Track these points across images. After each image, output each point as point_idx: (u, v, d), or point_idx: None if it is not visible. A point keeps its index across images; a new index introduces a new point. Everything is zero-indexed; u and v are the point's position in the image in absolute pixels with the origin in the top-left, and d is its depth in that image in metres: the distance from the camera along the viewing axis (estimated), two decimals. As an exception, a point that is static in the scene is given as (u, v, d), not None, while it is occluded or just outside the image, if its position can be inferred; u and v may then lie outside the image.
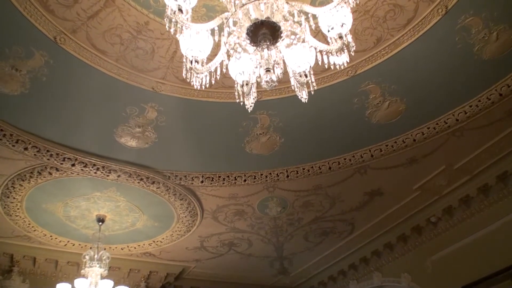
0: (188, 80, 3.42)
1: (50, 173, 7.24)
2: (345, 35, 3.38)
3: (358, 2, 3.30)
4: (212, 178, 7.69)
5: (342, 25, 3.36)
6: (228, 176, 7.72)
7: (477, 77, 6.13)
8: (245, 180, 7.79)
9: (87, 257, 8.14)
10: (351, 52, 3.47)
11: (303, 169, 7.65)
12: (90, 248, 8.39)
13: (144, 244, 9.88)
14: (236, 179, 7.77)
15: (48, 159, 6.88)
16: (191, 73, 3.36)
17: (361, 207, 8.95)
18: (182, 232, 9.33)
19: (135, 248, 10.01)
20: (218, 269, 11.32)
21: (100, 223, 8.66)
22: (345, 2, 3.26)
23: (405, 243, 9.78)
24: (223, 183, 7.82)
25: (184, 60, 3.41)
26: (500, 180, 7.89)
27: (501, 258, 7.68)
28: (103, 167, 7.18)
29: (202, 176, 7.65)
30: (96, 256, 8.15)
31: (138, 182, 7.58)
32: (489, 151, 7.54)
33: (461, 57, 5.76)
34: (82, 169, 7.14)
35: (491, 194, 8.13)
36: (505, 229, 7.81)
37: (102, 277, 8.15)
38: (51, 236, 9.23)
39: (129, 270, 10.71)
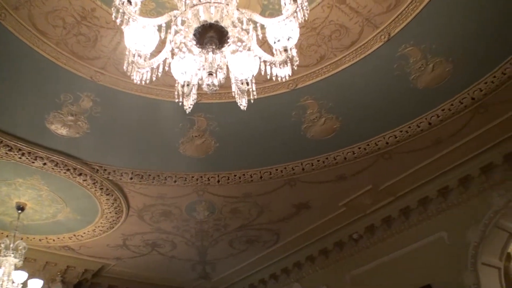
0: (128, 74, 3.35)
1: (-29, 154, 6.86)
2: (290, 49, 3.44)
3: (306, 18, 3.36)
4: (142, 175, 7.56)
5: (288, 39, 3.41)
6: (159, 176, 7.61)
7: (410, 105, 6.42)
8: (175, 181, 7.71)
9: (2, 245, 7.76)
10: (294, 66, 3.53)
11: (235, 175, 7.67)
12: (6, 236, 8.03)
13: (64, 237, 9.52)
14: (166, 179, 7.67)
15: (-30, 139, 6.52)
16: (132, 66, 3.30)
17: (288, 218, 9.09)
18: (105, 228, 9.08)
19: (54, 240, 9.63)
20: (138, 269, 11.10)
21: (20, 211, 8.26)
22: (294, 17, 3.31)
23: (327, 257, 10.02)
24: (153, 182, 7.69)
25: (127, 52, 3.34)
26: (421, 204, 8.32)
27: (416, 278, 8.06)
28: (29, 152, 6.87)
29: (132, 173, 7.50)
30: (11, 245, 7.78)
31: (65, 173, 7.32)
32: (414, 176, 7.92)
33: (397, 84, 6.02)
34: (6, 153, 6.80)
35: (411, 217, 8.54)
36: (422, 251, 8.23)
37: (16, 268, 7.80)
38: (-35, 220, 8.74)
39: (45, 262, 10.28)
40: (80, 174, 7.42)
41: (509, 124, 6.87)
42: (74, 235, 9.43)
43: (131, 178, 7.54)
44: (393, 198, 8.52)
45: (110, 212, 8.50)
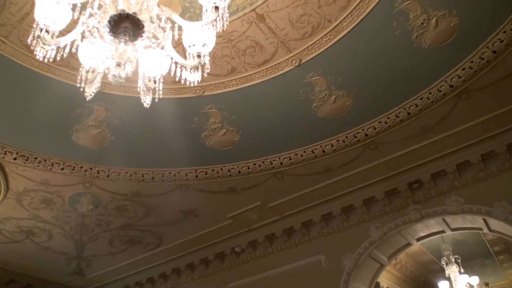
0: (32, 48, 3.18)
1: None
2: (204, 55, 3.46)
3: (225, 29, 3.40)
4: (28, 157, 7.12)
5: (203, 45, 3.43)
6: (46, 160, 7.21)
7: (308, 130, 6.70)
8: (62, 169, 7.34)
9: None
10: (204, 73, 3.55)
11: (126, 172, 7.48)
12: None
13: None
14: (53, 165, 7.29)
15: None
16: (37, 41, 3.14)
17: (174, 223, 8.99)
18: (-23, 208, 8.42)
19: None
20: (9, 256, 10.30)
21: None
22: (213, 25, 3.34)
23: (207, 266, 10.04)
24: (38, 166, 7.27)
25: (35, 26, 3.17)
26: (304, 226, 8.67)
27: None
28: None
29: (17, 153, 7.03)
30: None
31: None
32: (302, 198, 8.24)
33: (301, 109, 6.26)
34: None
35: (293, 237, 8.87)
36: (299, 271, 8.58)
37: None
38: None
39: None
40: (-42, 146, 6.84)
41: (394, 163, 7.41)
42: None
43: (15, 159, 7.07)
44: (279, 217, 8.78)
45: (-15, 191, 7.91)
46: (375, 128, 6.65)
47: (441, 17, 5.10)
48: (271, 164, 7.30)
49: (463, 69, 5.80)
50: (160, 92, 3.63)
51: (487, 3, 5.01)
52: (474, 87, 6.08)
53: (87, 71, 3.46)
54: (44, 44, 3.15)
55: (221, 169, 7.44)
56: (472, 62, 5.71)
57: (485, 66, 5.75)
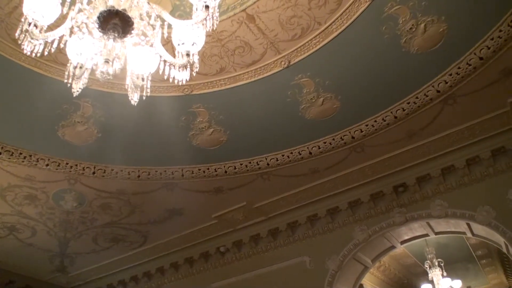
0: (19, 42, 3.14)
1: None
2: (193, 54, 3.45)
3: (215, 28, 3.40)
4: (12, 152, 7.04)
5: (193, 44, 3.42)
6: (31, 156, 7.14)
7: (295, 132, 6.71)
8: (47, 165, 7.28)
9: None
10: (193, 72, 3.55)
11: (112, 170, 7.43)
12: None
13: None
14: (38, 161, 7.22)
15: None
16: (25, 35, 3.10)
17: (159, 222, 8.96)
18: (-41, 203, 8.30)
19: None
20: (-10, 251, 10.25)
21: None
22: (203, 24, 3.33)
23: (191, 266, 10.01)
24: (23, 162, 7.20)
25: (23, 19, 3.14)
26: (290, 227, 8.68)
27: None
28: None
29: (2, 148, 6.94)
30: None
31: None
32: (287, 199, 8.25)
33: (288, 110, 6.27)
34: None
35: (279, 238, 8.88)
36: (284, 271, 8.60)
37: None
38: None
39: None
40: None
41: (380, 166, 7.45)
42: None
43: (0, 154, 7.00)
44: (264, 217, 8.78)
45: (-32, 186, 7.80)
46: (361, 131, 6.69)
47: (430, 22, 5.14)
48: (258, 164, 7.30)
49: (450, 74, 5.86)
50: (148, 90, 3.61)
51: (476, 10, 5.07)
52: (460, 93, 6.15)
53: (75, 67, 3.43)
54: (32, 38, 3.11)
55: (208, 169, 7.43)
56: (459, 68, 5.77)
57: (472, 72, 5.81)
